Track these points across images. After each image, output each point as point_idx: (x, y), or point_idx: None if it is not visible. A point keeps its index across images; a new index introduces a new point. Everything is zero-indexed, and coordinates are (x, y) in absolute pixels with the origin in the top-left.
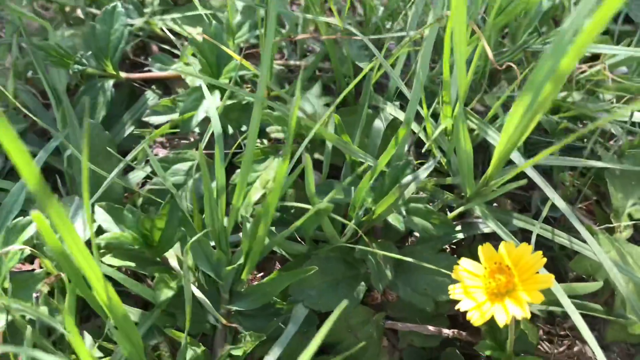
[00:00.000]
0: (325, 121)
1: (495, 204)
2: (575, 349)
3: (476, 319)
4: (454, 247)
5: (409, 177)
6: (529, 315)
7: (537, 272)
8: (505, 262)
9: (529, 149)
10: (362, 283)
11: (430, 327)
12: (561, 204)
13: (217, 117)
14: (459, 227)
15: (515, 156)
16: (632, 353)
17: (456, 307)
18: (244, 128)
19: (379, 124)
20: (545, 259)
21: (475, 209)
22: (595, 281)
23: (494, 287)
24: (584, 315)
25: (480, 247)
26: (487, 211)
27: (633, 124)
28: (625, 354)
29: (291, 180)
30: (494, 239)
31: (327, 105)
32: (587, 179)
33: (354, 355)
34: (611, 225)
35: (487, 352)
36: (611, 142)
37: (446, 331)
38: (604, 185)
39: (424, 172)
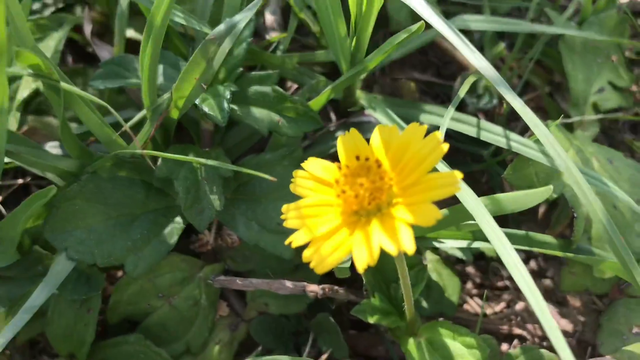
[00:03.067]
0: None
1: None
2: (518, 307)
3: (317, 261)
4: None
5: (242, 45)
6: (409, 248)
7: (434, 172)
8: (372, 155)
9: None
10: (178, 219)
11: (289, 283)
12: (490, 72)
13: None
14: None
15: (419, 3)
16: (598, 308)
17: (286, 242)
18: None
19: None
20: (446, 146)
21: (357, 96)
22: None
23: (352, 202)
24: (527, 255)
25: (340, 137)
26: (376, 99)
27: None
28: (590, 310)
29: None
30: None
31: None
32: (532, 60)
33: (167, 334)
34: (569, 121)
35: (373, 318)
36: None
37: (313, 288)
38: (559, 71)
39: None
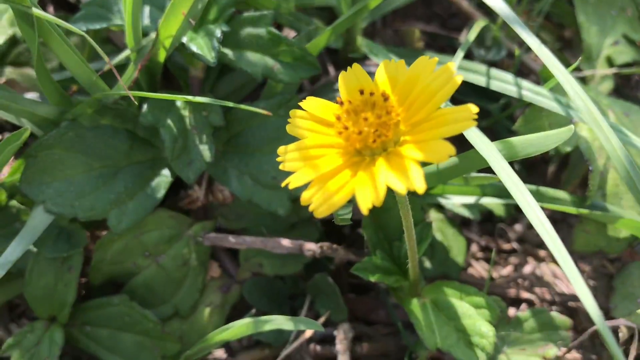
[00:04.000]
0: None
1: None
2: (525, 270)
3: (320, 201)
4: None
5: None
6: (419, 186)
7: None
8: (378, 90)
9: None
10: (165, 172)
11: (285, 241)
12: (504, 10)
13: None
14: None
15: None
16: (610, 272)
17: (283, 184)
18: None
19: None
20: (460, 78)
21: (358, 43)
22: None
23: (355, 139)
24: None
25: (341, 73)
26: (378, 46)
27: None
28: (601, 275)
29: None
30: None
31: None
32: (540, 13)
33: (155, 295)
34: (581, 75)
35: (374, 277)
36: None
37: (311, 247)
38: (569, 25)
39: None
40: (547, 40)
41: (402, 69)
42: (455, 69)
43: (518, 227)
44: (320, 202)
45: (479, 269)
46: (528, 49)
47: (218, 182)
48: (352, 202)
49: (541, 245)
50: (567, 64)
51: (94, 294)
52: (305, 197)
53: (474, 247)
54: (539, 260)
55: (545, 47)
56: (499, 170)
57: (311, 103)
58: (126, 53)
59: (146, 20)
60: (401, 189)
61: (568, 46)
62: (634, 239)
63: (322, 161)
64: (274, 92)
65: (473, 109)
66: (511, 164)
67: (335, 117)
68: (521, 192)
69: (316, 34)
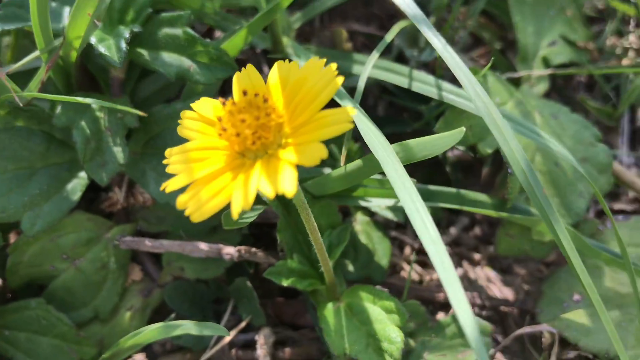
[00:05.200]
0: None
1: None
2: (458, 272)
3: (195, 207)
4: None
5: None
6: (288, 190)
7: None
8: (266, 92)
9: None
10: (82, 174)
11: (203, 245)
12: (413, 10)
13: None
14: None
15: None
16: (544, 276)
17: (161, 187)
18: None
19: None
20: (340, 79)
21: (284, 43)
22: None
23: (234, 141)
24: (472, 221)
25: (236, 74)
26: (302, 47)
27: None
28: (535, 279)
29: None
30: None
31: None
32: (474, 14)
33: (74, 298)
34: (515, 75)
35: (288, 281)
36: None
37: (229, 250)
38: (510, 24)
39: None
40: (488, 39)
41: (294, 70)
42: (370, 68)
43: (453, 230)
44: (195, 207)
45: (411, 273)
46: (459, 50)
47: (137, 184)
48: (265, 204)
49: (476, 248)
50: (506, 65)
51: (19, 297)
52: (180, 201)
53: (407, 250)
54: (474, 263)
55: (453, 48)
56: (388, 172)
57: (203, 104)
58: (35, 54)
59: (65, 20)
60: (269, 193)
61: (511, 46)
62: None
63: (204, 164)
64: (194, 93)
65: (350, 111)
66: (443, 166)
67: (217, 118)
68: (409, 195)
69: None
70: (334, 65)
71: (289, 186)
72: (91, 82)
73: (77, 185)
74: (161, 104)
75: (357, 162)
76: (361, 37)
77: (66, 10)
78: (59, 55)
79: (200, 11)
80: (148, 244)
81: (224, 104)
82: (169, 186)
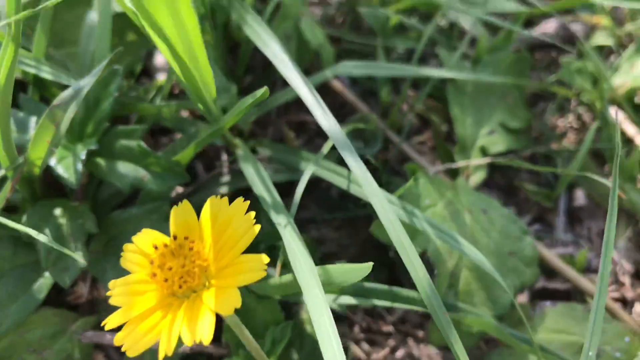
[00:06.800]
0: None
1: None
2: (398, 354)
3: (130, 343)
4: None
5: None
6: (205, 339)
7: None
8: (196, 232)
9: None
10: (47, 274)
11: None
12: (337, 135)
13: None
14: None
15: (282, 62)
16: (484, 353)
17: (102, 323)
18: None
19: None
20: (257, 227)
21: (235, 143)
22: None
23: (163, 285)
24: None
25: (173, 208)
26: (247, 151)
27: (497, 14)
28: (475, 357)
29: None
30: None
31: None
32: (413, 105)
33: None
34: (454, 166)
35: None
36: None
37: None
38: None
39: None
40: (436, 122)
41: (224, 207)
42: (306, 180)
43: (397, 313)
44: (130, 343)
45: (358, 351)
46: (406, 139)
47: (99, 281)
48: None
49: (421, 325)
50: (447, 152)
51: None
52: (118, 337)
53: (356, 329)
54: (419, 341)
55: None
56: (307, 299)
57: (145, 236)
58: (1, 172)
59: (32, 131)
60: (188, 341)
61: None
62: (486, 333)
63: (141, 299)
64: (148, 197)
65: (264, 259)
66: (386, 260)
67: (149, 261)
68: (313, 295)
69: (197, 136)
70: (252, 214)
71: (206, 335)
72: (56, 186)
73: (42, 285)
74: (119, 210)
75: (289, 277)
76: (314, 126)
77: (32, 121)
78: (23, 171)
79: (158, 115)
80: (109, 338)
81: (155, 247)
82: (108, 324)
